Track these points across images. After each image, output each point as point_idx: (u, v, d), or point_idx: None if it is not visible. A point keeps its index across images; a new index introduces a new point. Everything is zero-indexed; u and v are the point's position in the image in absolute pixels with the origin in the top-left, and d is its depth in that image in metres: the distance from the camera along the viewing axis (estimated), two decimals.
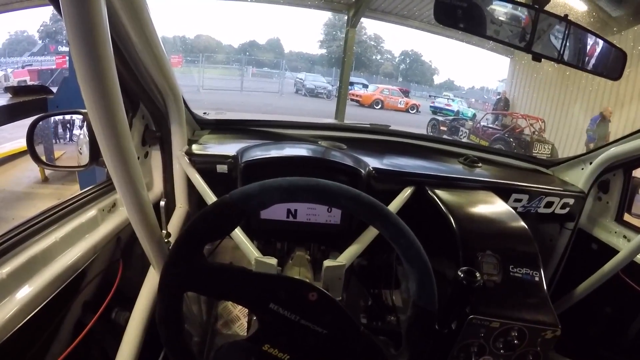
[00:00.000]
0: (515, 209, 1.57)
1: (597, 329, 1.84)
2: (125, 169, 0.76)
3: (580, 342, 1.82)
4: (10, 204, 5.86)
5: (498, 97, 15.73)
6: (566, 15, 1.17)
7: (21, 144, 7.80)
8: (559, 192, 1.74)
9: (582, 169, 1.86)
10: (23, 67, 22.94)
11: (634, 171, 1.84)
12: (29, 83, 19.80)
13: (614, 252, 1.64)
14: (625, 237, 1.76)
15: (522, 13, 1.17)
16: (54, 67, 22.31)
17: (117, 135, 0.71)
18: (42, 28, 29.26)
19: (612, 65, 1.34)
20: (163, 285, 0.78)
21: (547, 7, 1.14)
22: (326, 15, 28.34)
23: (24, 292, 0.93)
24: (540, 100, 14.22)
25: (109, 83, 0.66)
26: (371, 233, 1.22)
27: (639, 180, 1.85)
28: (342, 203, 0.77)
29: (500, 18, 1.18)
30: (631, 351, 1.69)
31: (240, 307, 1.69)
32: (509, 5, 1.18)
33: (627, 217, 1.85)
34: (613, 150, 1.70)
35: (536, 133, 11.39)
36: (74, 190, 5.90)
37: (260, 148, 1.55)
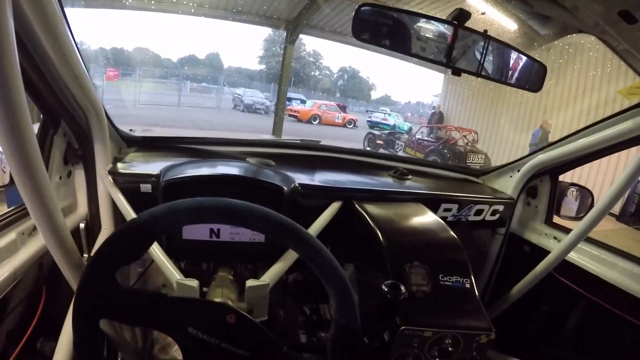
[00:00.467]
0: (445, 218, 1.61)
1: (536, 326, 1.91)
2: (38, 193, 0.74)
3: (521, 340, 1.88)
4: None
5: (433, 110, 16.16)
6: (485, 31, 1.20)
7: None
8: (489, 199, 1.79)
9: (511, 176, 1.95)
10: None
11: (560, 176, 1.92)
12: None
13: (545, 252, 1.70)
14: (555, 238, 1.85)
15: (448, 30, 1.19)
16: None
17: (27, 157, 0.68)
18: None
19: (533, 78, 1.40)
20: (76, 313, 0.74)
21: (470, 24, 1.17)
22: (266, 31, 28.43)
23: None
24: (472, 113, 14.81)
25: (15, 101, 0.63)
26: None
27: (565, 184, 1.93)
28: (251, 223, 0.75)
29: (427, 35, 1.20)
30: (570, 344, 1.76)
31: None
32: (433, 23, 1.20)
33: (556, 219, 1.94)
34: (539, 158, 1.78)
35: (469, 144, 11.82)
36: (2, 209, 5.60)
37: (184, 166, 1.51)
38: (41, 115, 1.29)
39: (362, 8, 1.13)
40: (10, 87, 0.61)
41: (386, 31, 1.15)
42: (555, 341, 1.83)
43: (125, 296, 0.74)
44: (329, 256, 0.77)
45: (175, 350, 1.97)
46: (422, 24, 1.19)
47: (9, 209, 1.31)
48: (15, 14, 0.62)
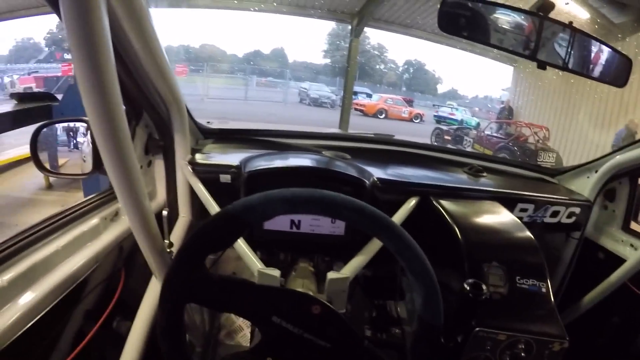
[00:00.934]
0: (520, 218, 1.55)
1: (606, 339, 1.82)
2: (127, 178, 0.77)
3: (589, 352, 1.80)
4: (14, 210, 5.90)
5: (502, 106, 15.64)
6: (571, 23, 1.17)
7: (26, 150, 7.78)
8: (565, 201, 1.72)
9: (588, 177, 1.84)
10: (29, 74, 23.10)
11: None
12: (35, 90, 19.99)
13: (621, 261, 1.64)
14: (632, 245, 1.74)
15: (526, 21, 1.16)
16: (59, 74, 22.44)
17: (119, 144, 0.71)
18: (48, 35, 29.55)
19: (618, 72, 1.34)
20: (164, 297, 0.78)
21: (552, 15, 1.14)
22: (330, 25, 28.48)
23: (25, 300, 0.92)
24: (544, 108, 14.19)
25: (110, 92, 0.66)
26: (375, 244, 1.21)
27: None
28: (345, 215, 0.76)
29: (504, 26, 1.18)
30: None
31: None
32: (513, 14, 1.18)
33: (634, 225, 1.83)
34: (619, 158, 1.69)
35: (540, 141, 11.39)
36: (77, 197, 5.93)
37: (263, 158, 1.55)
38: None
39: (445, 4, 1.12)
40: (106, 81, 0.65)
41: (471, 23, 1.14)
42: (625, 357, 1.74)
43: (213, 282, 0.77)
44: (419, 251, 0.77)
45: (241, 336, 2.02)
46: (506, 15, 1.17)
47: (92, 196, 1.40)
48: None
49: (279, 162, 1.54)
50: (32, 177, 7.27)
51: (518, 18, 1.18)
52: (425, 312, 0.78)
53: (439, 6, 1.12)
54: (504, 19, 1.18)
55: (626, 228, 1.84)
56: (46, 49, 29.66)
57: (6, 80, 21.79)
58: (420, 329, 0.79)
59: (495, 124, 14.46)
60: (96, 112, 0.66)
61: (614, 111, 11.38)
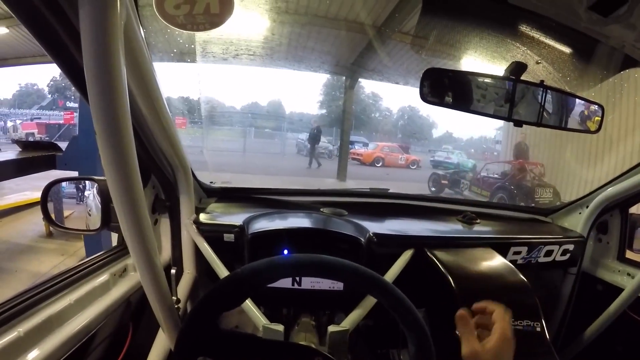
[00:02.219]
0: (515, 261, 1.62)
1: None
2: (140, 235, 0.81)
3: None
4: (14, 256, 5.93)
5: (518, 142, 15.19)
6: (542, 81, 1.25)
7: (27, 196, 7.92)
8: (558, 239, 1.78)
9: (580, 213, 1.92)
10: (32, 120, 23.35)
11: (630, 208, 1.89)
12: (37, 136, 20.07)
13: (619, 290, 1.70)
14: (629, 274, 1.80)
15: (501, 84, 1.25)
16: (61, 122, 22.64)
17: (134, 203, 0.77)
18: (52, 83, 29.94)
19: (592, 119, 1.42)
20: (179, 350, 0.84)
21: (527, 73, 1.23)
22: (325, 77, 28.80)
23: (39, 351, 0.97)
24: (537, 144, 14.20)
25: (128, 159, 0.72)
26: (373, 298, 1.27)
27: (637, 217, 1.90)
28: (342, 277, 0.85)
29: (486, 81, 1.26)
30: None
31: None
32: (492, 80, 1.26)
33: (629, 254, 1.90)
34: (608, 192, 1.77)
35: (536, 178, 11.42)
36: (77, 247, 6.01)
37: (265, 218, 1.62)
38: None
39: (427, 73, 1.21)
40: (124, 146, 0.71)
41: (449, 92, 1.22)
42: None
43: (224, 337, 0.83)
44: (410, 305, 0.83)
45: None
46: (482, 80, 1.25)
47: (102, 253, 1.45)
48: None
49: (280, 222, 1.61)
50: (31, 223, 7.27)
51: (497, 82, 1.26)
52: None
53: (420, 79, 1.20)
54: (485, 84, 1.26)
55: (621, 258, 1.90)
56: (49, 96, 30.05)
57: (9, 124, 21.94)
58: None
59: (491, 164, 14.49)
60: (115, 173, 0.72)
61: (600, 143, 11.42)
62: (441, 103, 1.23)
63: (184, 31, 0.90)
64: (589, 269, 1.97)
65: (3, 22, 9.67)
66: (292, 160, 18.85)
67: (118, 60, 0.66)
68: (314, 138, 17.78)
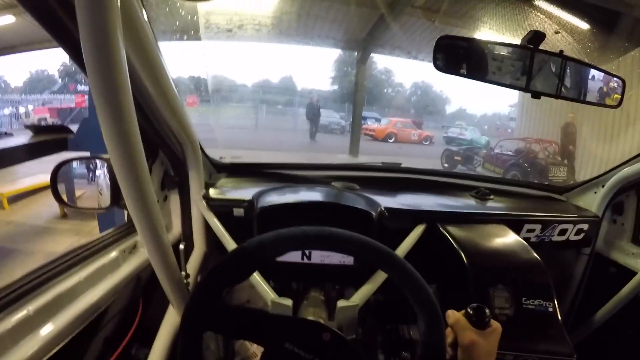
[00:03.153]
0: (528, 239, 1.59)
1: (621, 352, 1.82)
2: (146, 212, 0.80)
3: None
4: (30, 237, 6.03)
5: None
6: (561, 51, 1.20)
7: (40, 179, 8.04)
8: (572, 218, 1.74)
9: (595, 192, 1.87)
10: (43, 105, 23.60)
11: None
12: (49, 120, 20.37)
13: (632, 274, 1.66)
14: None
15: (518, 54, 1.21)
16: (73, 105, 22.80)
17: (138, 180, 0.75)
18: (61, 68, 30.01)
19: (612, 94, 1.37)
20: (185, 325, 0.83)
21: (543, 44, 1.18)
22: (337, 52, 28.61)
23: (49, 329, 0.97)
24: (552, 122, 13.99)
25: (130, 133, 0.71)
26: (384, 273, 1.25)
27: None
28: (352, 251, 0.82)
29: (502, 53, 1.22)
30: None
31: (255, 345, 1.72)
32: (508, 48, 1.22)
33: None
34: (625, 172, 1.72)
35: (550, 156, 11.32)
36: (91, 226, 6.11)
37: (275, 192, 1.60)
38: None
39: (441, 41, 1.17)
40: (127, 123, 0.69)
41: (464, 61, 1.18)
42: None
43: (230, 312, 0.82)
44: (421, 281, 0.81)
45: None
46: (498, 50, 1.21)
47: (111, 230, 1.45)
48: None
49: (290, 196, 1.59)
50: (46, 205, 7.40)
51: (514, 51, 1.22)
52: (430, 338, 0.82)
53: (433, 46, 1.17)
54: (500, 49, 1.23)
55: (636, 240, 1.86)
56: (60, 80, 30.17)
57: (21, 110, 22.27)
58: (425, 354, 0.83)
59: (505, 141, 14.37)
60: (118, 152, 0.71)
61: (620, 121, 11.16)
62: (456, 72, 1.19)
63: (186, 1, 0.87)
64: (603, 250, 1.93)
65: (9, 10, 9.73)
66: (304, 136, 18.83)
67: (115, 34, 0.64)
68: (314, 113, 18.08)
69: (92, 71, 0.64)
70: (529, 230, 1.67)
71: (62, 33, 0.88)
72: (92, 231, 6.04)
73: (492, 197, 1.88)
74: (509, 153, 12.52)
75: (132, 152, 0.72)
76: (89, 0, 0.60)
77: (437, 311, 0.82)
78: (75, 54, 0.91)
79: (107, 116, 0.68)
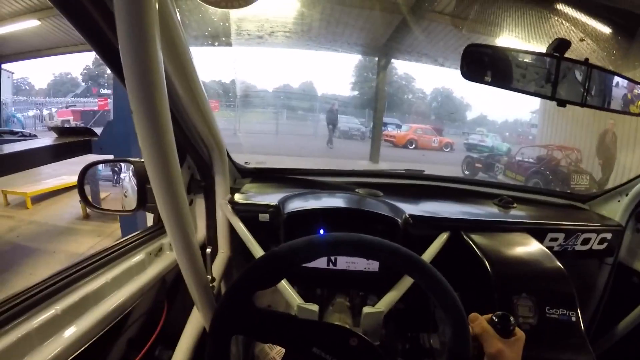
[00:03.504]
0: (551, 248, 1.58)
1: None
2: (177, 214, 0.81)
3: None
4: (53, 237, 6.16)
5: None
6: (586, 60, 1.20)
7: (64, 180, 8.24)
8: (596, 227, 1.73)
9: (619, 201, 1.86)
10: (67, 108, 24.12)
11: None
12: (72, 123, 20.76)
13: None
14: None
15: (544, 62, 1.21)
16: (96, 108, 23.37)
17: (171, 183, 0.77)
18: (85, 71, 30.59)
19: (637, 102, 1.37)
20: (215, 328, 0.84)
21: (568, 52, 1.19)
22: (357, 58, 28.58)
23: (75, 329, 1.00)
24: (574, 128, 13.78)
25: (165, 139, 0.72)
26: (408, 280, 1.26)
27: None
28: (381, 257, 0.83)
29: (526, 60, 1.22)
30: None
31: (277, 349, 1.73)
32: (531, 57, 1.23)
33: None
34: None
35: (572, 164, 11.17)
36: (113, 228, 6.22)
37: (300, 198, 1.62)
38: None
39: (468, 49, 1.18)
40: (162, 126, 0.71)
41: (490, 69, 1.19)
42: None
43: (260, 316, 0.82)
44: (449, 288, 0.81)
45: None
46: (524, 58, 1.22)
47: (137, 233, 1.48)
48: None
49: (315, 202, 1.61)
50: (69, 206, 7.55)
51: (540, 60, 1.22)
52: (456, 345, 0.82)
53: (461, 47, 1.18)
54: (524, 56, 1.23)
55: None
56: (83, 83, 30.65)
57: (45, 112, 22.64)
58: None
59: (527, 148, 14.20)
60: (152, 154, 0.72)
61: None
62: (482, 80, 1.20)
63: (218, 9, 0.89)
64: (626, 260, 1.90)
65: (34, 14, 9.92)
66: (325, 141, 18.85)
67: (153, 39, 0.65)
68: (333, 119, 18.31)
69: (130, 76, 0.66)
70: (552, 239, 1.66)
71: (100, 40, 0.90)
72: (113, 233, 6.17)
73: (515, 205, 1.87)
74: (531, 160, 12.38)
75: (166, 155, 0.74)
76: (128, 7, 0.62)
77: (464, 318, 0.82)
78: (110, 59, 0.94)
79: (143, 120, 0.69)
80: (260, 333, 0.85)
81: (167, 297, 1.48)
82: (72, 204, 7.51)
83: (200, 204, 1.69)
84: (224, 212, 1.59)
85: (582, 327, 1.16)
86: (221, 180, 1.60)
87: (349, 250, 0.85)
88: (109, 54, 0.93)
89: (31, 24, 10.25)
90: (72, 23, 0.85)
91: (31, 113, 23.75)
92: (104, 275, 1.19)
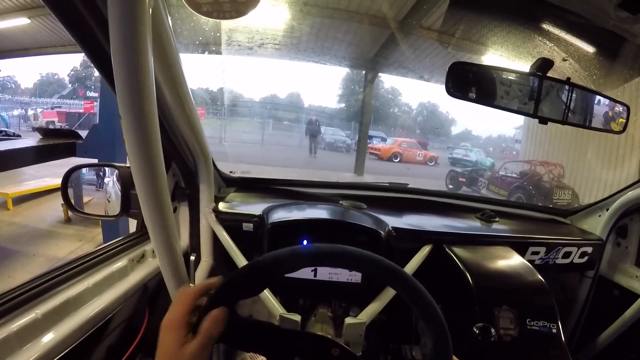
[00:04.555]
0: (532, 261, 1.60)
1: None
2: (162, 221, 0.82)
3: None
4: (33, 240, 6.05)
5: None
6: (568, 79, 1.23)
7: (47, 182, 8.10)
8: (577, 241, 1.75)
9: (600, 215, 1.89)
10: (52, 109, 23.88)
11: None
12: (57, 124, 20.51)
13: (636, 297, 1.67)
14: None
15: (527, 80, 1.24)
16: (81, 110, 23.14)
17: (157, 189, 0.77)
18: (72, 72, 30.59)
19: (617, 120, 1.40)
20: None
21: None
22: (344, 71, 28.75)
23: (55, 334, 1.00)
24: (557, 145, 13.93)
25: (152, 146, 0.73)
26: (390, 292, 1.26)
27: None
28: (364, 268, 0.83)
29: (510, 78, 1.25)
30: None
31: (259, 358, 1.73)
32: (515, 76, 1.25)
33: None
34: (629, 195, 1.74)
35: (555, 179, 11.30)
36: (95, 233, 6.15)
37: (284, 208, 1.62)
38: None
39: (454, 66, 1.20)
40: (150, 133, 0.72)
41: (477, 82, 1.22)
42: None
43: (242, 325, 0.81)
44: (430, 299, 0.81)
45: None
46: (507, 75, 1.24)
47: (120, 239, 1.48)
48: None
49: (299, 213, 1.61)
50: (51, 209, 7.43)
51: (522, 78, 1.25)
52: (438, 356, 0.81)
53: (447, 66, 1.20)
54: (510, 79, 1.25)
55: None
56: (69, 85, 30.58)
57: (30, 112, 22.35)
58: None
59: (510, 163, 14.35)
60: (139, 159, 0.73)
61: (625, 145, 11.08)
62: (466, 97, 1.22)
63: (210, 19, 0.91)
64: (606, 273, 1.93)
65: (24, 12, 9.82)
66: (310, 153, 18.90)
67: (145, 46, 0.66)
68: (313, 130, 18.50)
69: (121, 81, 0.67)
70: (534, 253, 1.68)
71: (91, 43, 0.90)
72: (95, 238, 6.09)
73: (497, 219, 1.89)
74: (514, 175, 12.51)
75: (152, 161, 0.74)
76: (122, 12, 0.63)
77: (445, 329, 0.81)
78: (100, 63, 0.93)
79: (132, 125, 0.70)
80: (242, 342, 0.84)
81: (149, 304, 1.47)
82: (54, 207, 7.41)
83: (184, 211, 1.68)
84: (207, 221, 1.59)
85: (563, 339, 1.17)
86: (206, 189, 1.60)
87: (332, 262, 0.85)
88: (99, 58, 0.92)
89: (21, 21, 10.13)
90: (64, 25, 0.85)
91: (16, 112, 23.42)
92: (86, 280, 1.18)
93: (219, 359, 1.79)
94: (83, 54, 0.97)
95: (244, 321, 0.83)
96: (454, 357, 0.82)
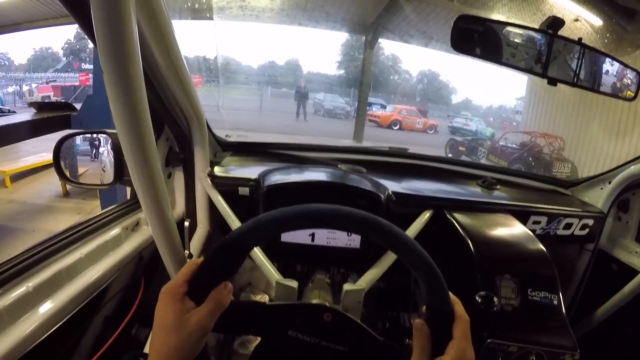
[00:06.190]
0: (534, 231, 1.57)
1: (620, 351, 1.82)
2: (152, 188, 0.78)
3: None
4: (32, 215, 6.09)
5: None
6: (580, 39, 1.18)
7: (43, 157, 8.10)
8: (578, 213, 1.72)
9: (602, 188, 1.85)
10: (47, 83, 23.71)
11: None
12: (53, 98, 20.47)
13: (635, 272, 1.64)
14: None
15: (536, 39, 1.18)
16: (77, 84, 23.06)
17: (145, 155, 0.73)
18: (66, 45, 30.32)
19: (628, 86, 1.35)
20: None
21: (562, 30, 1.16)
22: (344, 37, 28.47)
23: (48, 306, 0.97)
24: (558, 117, 13.90)
25: (138, 106, 0.68)
26: (390, 257, 1.24)
27: None
28: (334, 224, 0.75)
29: (516, 40, 1.20)
30: None
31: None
32: (524, 31, 1.20)
33: None
34: (632, 169, 1.69)
35: (555, 152, 11.30)
36: (94, 205, 6.17)
37: (281, 172, 1.59)
38: None
39: (460, 20, 1.14)
40: (135, 95, 0.67)
41: (482, 42, 1.16)
42: None
43: (228, 310, 0.77)
44: (412, 243, 0.74)
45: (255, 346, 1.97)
46: (517, 33, 1.19)
47: (114, 206, 1.43)
48: None
49: (296, 176, 1.57)
50: (49, 184, 7.45)
51: (529, 35, 1.19)
52: (432, 299, 0.75)
53: (452, 24, 1.14)
54: (516, 33, 1.20)
55: None
56: (64, 58, 30.38)
57: (25, 88, 22.25)
58: (431, 317, 0.76)
59: (510, 134, 14.34)
60: (125, 123, 0.69)
61: (628, 120, 11.02)
62: (473, 53, 1.16)
63: None
64: (606, 247, 1.91)
65: None
66: (309, 119, 18.83)
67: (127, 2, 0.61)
68: (302, 96, 19.16)
69: (102, 39, 0.62)
70: (535, 222, 1.66)
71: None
72: (94, 210, 6.09)
73: (498, 186, 1.86)
74: (514, 146, 12.52)
75: (139, 125, 0.70)
76: None
77: (435, 269, 0.74)
78: (85, 22, 0.87)
79: (115, 87, 0.65)
80: (231, 327, 0.82)
81: (144, 273, 1.43)
82: (52, 182, 7.42)
83: (179, 177, 1.65)
84: (203, 186, 1.56)
85: (564, 311, 1.14)
86: (201, 153, 1.55)
87: (301, 223, 0.74)
88: (83, 16, 0.86)
89: None
90: None
91: (10, 89, 23.25)
92: (78, 250, 1.15)
93: (218, 343, 1.78)
94: (77, 26, 0.91)
95: (232, 305, 0.79)
96: (451, 293, 0.77)
